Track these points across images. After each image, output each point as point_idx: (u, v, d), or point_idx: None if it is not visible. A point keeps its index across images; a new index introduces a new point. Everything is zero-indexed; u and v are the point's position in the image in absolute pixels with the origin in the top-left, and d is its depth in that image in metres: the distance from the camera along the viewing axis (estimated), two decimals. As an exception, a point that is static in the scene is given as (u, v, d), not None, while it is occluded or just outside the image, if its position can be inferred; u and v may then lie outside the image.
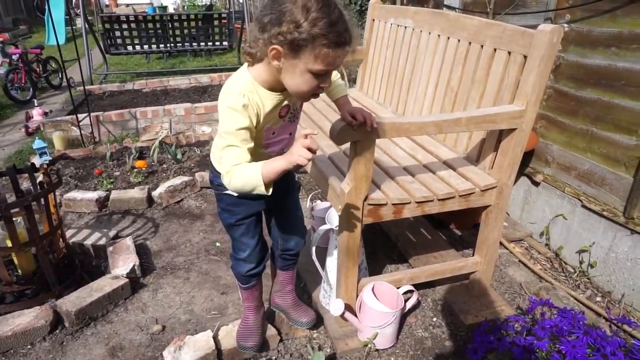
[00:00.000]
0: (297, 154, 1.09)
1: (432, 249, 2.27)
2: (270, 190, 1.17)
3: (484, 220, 1.82)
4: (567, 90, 2.23)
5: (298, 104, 1.34)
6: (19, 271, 2.01)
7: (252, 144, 1.20)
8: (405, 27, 2.39)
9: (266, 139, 1.30)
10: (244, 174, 1.15)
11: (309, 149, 1.08)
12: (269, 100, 1.21)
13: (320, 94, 1.26)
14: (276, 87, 1.20)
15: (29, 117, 4.67)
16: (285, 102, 1.26)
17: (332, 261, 1.84)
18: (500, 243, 2.38)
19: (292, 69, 1.09)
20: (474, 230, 2.38)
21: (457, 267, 1.89)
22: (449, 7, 2.99)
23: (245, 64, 1.23)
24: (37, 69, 5.99)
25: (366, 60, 2.81)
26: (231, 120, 1.16)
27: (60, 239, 2.15)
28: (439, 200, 1.64)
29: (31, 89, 5.62)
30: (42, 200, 1.94)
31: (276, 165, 1.13)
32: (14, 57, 5.54)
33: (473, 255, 1.96)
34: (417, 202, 1.62)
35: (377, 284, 1.76)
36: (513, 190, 2.58)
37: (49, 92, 6.15)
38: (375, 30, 2.73)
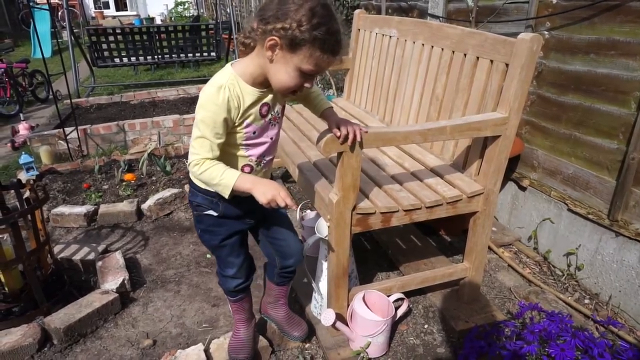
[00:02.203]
0: (267, 199, 1.21)
1: (422, 255, 2.28)
2: (227, 195, 1.27)
3: (471, 226, 1.83)
4: (550, 96, 2.28)
5: (279, 106, 1.37)
6: (6, 289, 1.98)
7: (223, 139, 1.25)
8: (390, 37, 2.42)
9: (246, 138, 1.32)
10: (219, 171, 1.24)
11: (277, 203, 1.22)
12: (250, 94, 1.25)
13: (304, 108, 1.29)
14: (258, 82, 1.25)
15: (15, 132, 4.63)
16: (265, 100, 1.30)
17: (322, 271, 1.84)
18: (490, 248, 2.40)
19: (284, 63, 1.16)
20: (463, 236, 2.41)
21: (446, 273, 1.90)
22: (433, 16, 3.04)
23: (229, 63, 1.28)
24: (23, 83, 5.94)
25: (352, 69, 2.84)
26: (209, 111, 1.21)
27: (48, 255, 2.13)
28: (426, 208, 1.66)
29: (18, 103, 5.57)
30: (29, 216, 1.93)
31: (247, 184, 1.24)
32: (-2, 71, 5.49)
33: (463, 261, 1.98)
34: (405, 211, 1.63)
35: (367, 293, 1.77)
36: (501, 195, 2.61)
37: (35, 105, 6.10)
38: (361, 40, 2.76)
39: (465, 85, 1.84)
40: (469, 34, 1.84)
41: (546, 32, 2.24)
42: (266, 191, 1.22)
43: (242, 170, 1.37)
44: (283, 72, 1.18)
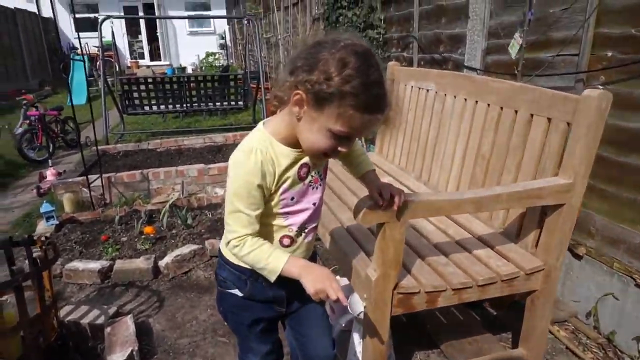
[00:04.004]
0: (316, 290, 1.02)
1: (466, 332, 2.01)
2: (273, 280, 1.09)
3: (529, 307, 1.58)
4: (607, 155, 2.05)
5: (321, 166, 1.18)
6: (3, 358, 1.80)
7: (261, 209, 1.07)
8: (428, 90, 2.28)
9: (283, 205, 1.13)
10: (265, 254, 1.06)
11: (327, 295, 1.02)
12: (285, 156, 1.08)
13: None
14: (294, 141, 1.07)
15: (42, 178, 4.63)
16: (304, 161, 1.11)
17: (355, 355, 1.60)
18: (543, 325, 2.11)
19: (311, 122, 0.99)
20: (510, 310, 2.14)
21: (499, 361, 1.63)
22: (470, 69, 2.90)
23: (261, 123, 1.12)
24: (56, 129, 6.06)
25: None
26: (241, 180, 1.05)
27: (54, 319, 1.96)
28: (478, 286, 1.43)
29: (49, 149, 5.65)
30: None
31: (296, 271, 1.05)
32: (32, 118, 5.62)
33: (512, 341, 1.72)
34: (454, 290, 1.41)
35: (408, 385, 1.51)
36: (551, 263, 2.34)
37: (66, 151, 6.18)
38: (395, 93, 2.63)
39: (518, 144, 1.66)
40: (520, 89, 1.67)
41: (600, 87, 2.05)
42: (316, 280, 1.02)
43: (281, 242, 1.18)
44: (311, 133, 1.00)
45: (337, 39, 0.98)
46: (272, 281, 1.08)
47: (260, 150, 1.05)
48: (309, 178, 1.15)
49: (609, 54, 2.01)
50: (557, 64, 2.30)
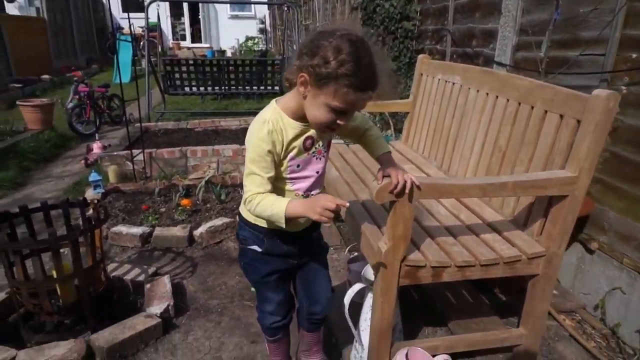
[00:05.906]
0: (319, 214, 1.18)
1: (474, 314, 2.13)
2: (284, 224, 1.25)
3: (530, 290, 1.70)
4: (626, 154, 2.11)
5: (324, 140, 1.37)
6: (60, 302, 2.07)
7: (273, 173, 1.28)
8: (454, 84, 2.38)
9: (290, 171, 1.33)
10: (269, 202, 1.25)
11: (332, 211, 1.17)
12: (292, 128, 1.28)
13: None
14: (300, 116, 1.26)
15: (89, 150, 4.98)
16: (309, 134, 1.30)
17: (365, 320, 1.77)
18: (550, 314, 2.20)
19: (314, 99, 1.18)
20: (519, 296, 2.24)
21: (499, 338, 1.76)
22: (500, 64, 2.96)
23: (274, 100, 1.33)
24: (102, 105, 6.43)
25: (412, 114, 2.81)
26: (255, 146, 1.25)
27: (102, 273, 2.21)
28: (481, 265, 1.56)
29: (96, 124, 6.02)
30: (89, 234, 2.02)
31: (298, 208, 1.22)
32: (82, 94, 5.99)
33: (518, 325, 1.83)
34: (457, 267, 1.55)
35: (411, 350, 1.67)
36: (565, 256, 2.40)
37: (110, 127, 6.56)
38: (423, 84, 2.74)
39: (531, 139, 1.76)
40: (539, 86, 1.76)
41: (624, 87, 2.10)
42: (314, 206, 1.20)
43: None
44: (314, 108, 1.19)
45: (335, 29, 1.16)
46: (283, 227, 1.25)
47: (271, 121, 1.25)
48: (313, 149, 1.34)
49: (634, 55, 2.06)
50: (583, 63, 2.35)
